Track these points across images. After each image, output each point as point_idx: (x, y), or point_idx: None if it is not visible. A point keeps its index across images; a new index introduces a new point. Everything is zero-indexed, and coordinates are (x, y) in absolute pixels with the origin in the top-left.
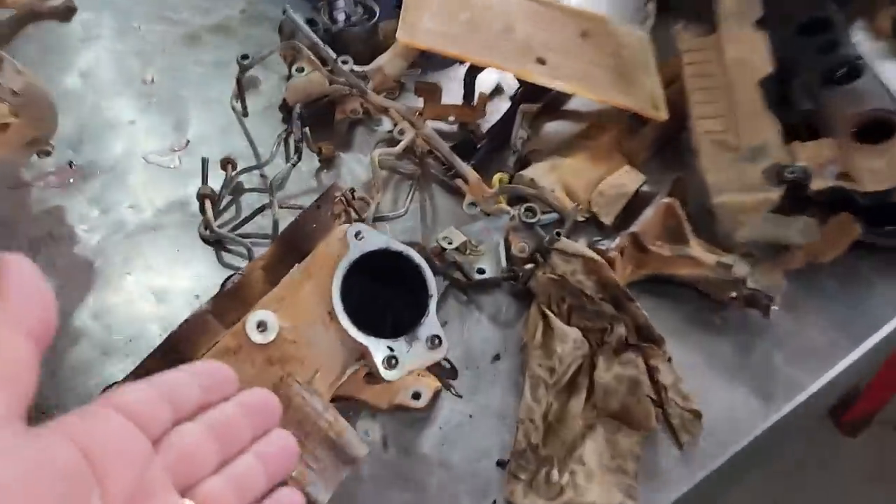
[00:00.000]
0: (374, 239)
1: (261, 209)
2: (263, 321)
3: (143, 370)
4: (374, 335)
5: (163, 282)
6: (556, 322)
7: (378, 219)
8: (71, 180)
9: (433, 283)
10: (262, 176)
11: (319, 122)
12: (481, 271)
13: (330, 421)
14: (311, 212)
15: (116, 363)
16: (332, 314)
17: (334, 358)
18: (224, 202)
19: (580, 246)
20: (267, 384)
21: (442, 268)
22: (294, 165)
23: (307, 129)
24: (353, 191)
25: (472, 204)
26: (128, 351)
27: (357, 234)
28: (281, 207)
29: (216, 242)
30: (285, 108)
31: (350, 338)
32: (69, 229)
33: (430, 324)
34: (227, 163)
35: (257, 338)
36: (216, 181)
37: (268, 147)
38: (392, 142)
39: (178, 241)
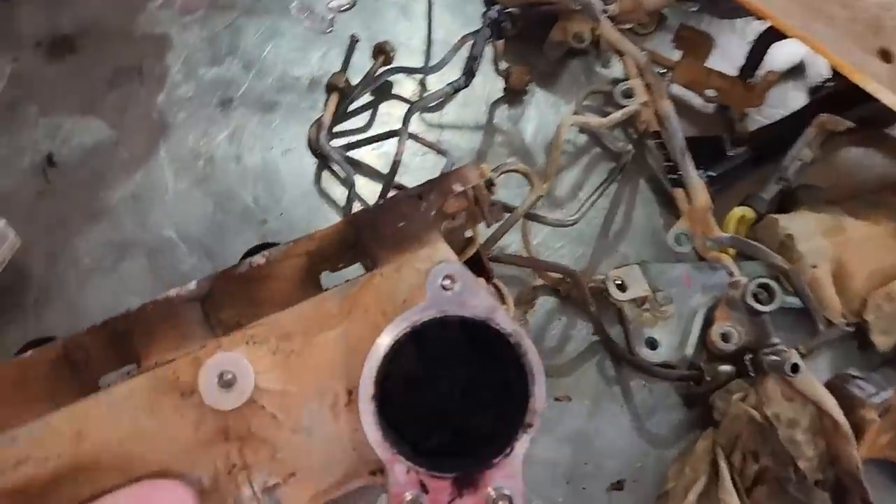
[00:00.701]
0: (472, 296)
1: (394, 133)
2: (231, 372)
3: (76, 341)
4: (413, 446)
5: (232, 183)
6: (730, 495)
7: (532, 217)
8: (199, 10)
9: (541, 400)
10: (421, 84)
11: (530, 37)
12: (652, 344)
13: None
14: (405, 201)
15: (128, 268)
16: (353, 396)
17: (331, 462)
18: (358, 102)
19: (822, 389)
20: (204, 468)
21: (596, 315)
22: (456, 91)
23: (500, 43)
24: (490, 183)
25: (684, 236)
26: (148, 261)
27: (446, 280)
28: (414, 139)
29: (321, 156)
30: (491, 1)
31: (368, 443)
32: (163, 70)
33: (509, 470)
34: (380, 52)
35: (213, 397)
36: (361, 71)
37: (448, 48)
38: (611, 100)
39: (280, 134)
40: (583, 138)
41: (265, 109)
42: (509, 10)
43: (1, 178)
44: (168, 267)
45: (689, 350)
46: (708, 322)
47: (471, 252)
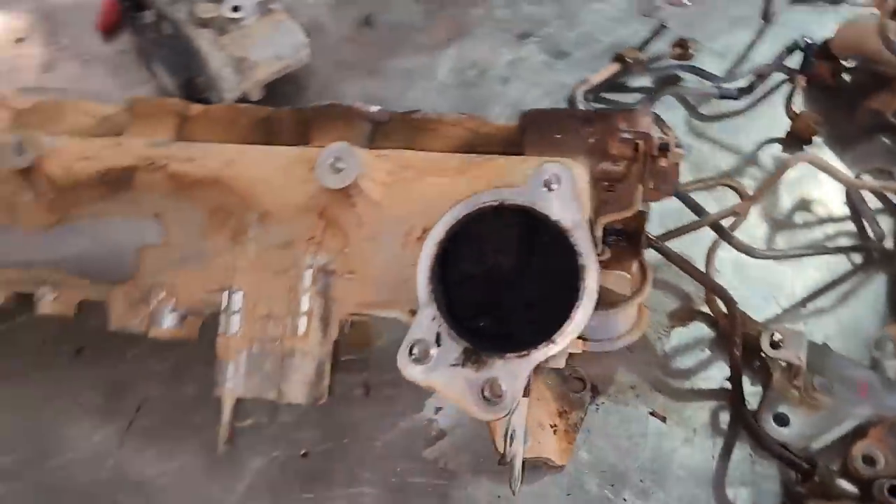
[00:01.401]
0: (567, 204)
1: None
2: (343, 161)
3: (280, 112)
4: (449, 308)
5: (486, 98)
6: None
7: (721, 231)
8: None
9: (578, 326)
10: (705, 96)
11: (845, 92)
12: (782, 420)
13: (299, 333)
14: (574, 118)
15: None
16: (425, 233)
17: (384, 281)
18: (637, 82)
19: None
20: (293, 228)
21: (739, 361)
22: (722, 97)
23: (801, 78)
24: (664, 147)
25: (891, 343)
26: None
27: (550, 180)
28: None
29: (571, 104)
30: (825, 50)
31: (414, 282)
32: None
33: (516, 370)
34: (680, 46)
35: (321, 172)
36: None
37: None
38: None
39: (551, 80)
40: (843, 209)
41: (554, 55)
42: (843, 59)
43: (331, 16)
44: None
45: (817, 446)
46: (856, 434)
47: (628, 213)
